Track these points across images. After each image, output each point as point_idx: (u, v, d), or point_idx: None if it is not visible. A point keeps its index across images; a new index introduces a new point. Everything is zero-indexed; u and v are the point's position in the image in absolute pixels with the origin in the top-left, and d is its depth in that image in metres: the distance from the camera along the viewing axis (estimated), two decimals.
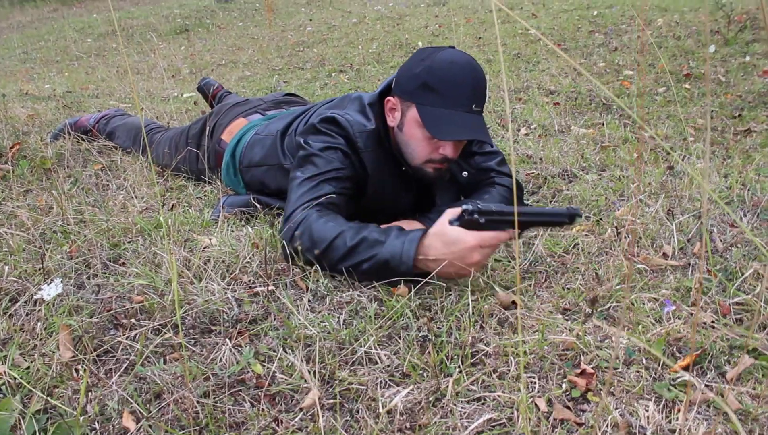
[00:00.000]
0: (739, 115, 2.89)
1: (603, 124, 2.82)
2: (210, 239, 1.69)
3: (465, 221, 1.35)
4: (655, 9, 5.90)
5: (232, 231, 1.78)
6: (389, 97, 1.61)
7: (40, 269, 1.58)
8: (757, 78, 3.53)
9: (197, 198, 2.14)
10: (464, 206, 1.36)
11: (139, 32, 8.66)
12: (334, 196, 1.56)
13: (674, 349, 1.18)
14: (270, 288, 1.43)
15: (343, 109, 1.69)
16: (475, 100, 1.51)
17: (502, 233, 1.35)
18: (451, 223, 1.37)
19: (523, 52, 4.59)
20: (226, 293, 1.42)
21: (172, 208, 1.98)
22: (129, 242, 1.74)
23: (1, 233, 1.82)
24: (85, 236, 1.76)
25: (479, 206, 1.35)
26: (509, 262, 1.56)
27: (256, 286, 1.44)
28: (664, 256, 1.49)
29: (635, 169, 2.19)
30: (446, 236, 1.36)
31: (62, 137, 2.83)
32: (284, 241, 1.51)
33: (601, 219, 1.74)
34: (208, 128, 2.22)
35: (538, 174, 2.18)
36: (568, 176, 2.19)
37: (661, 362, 1.13)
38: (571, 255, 1.56)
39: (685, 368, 1.12)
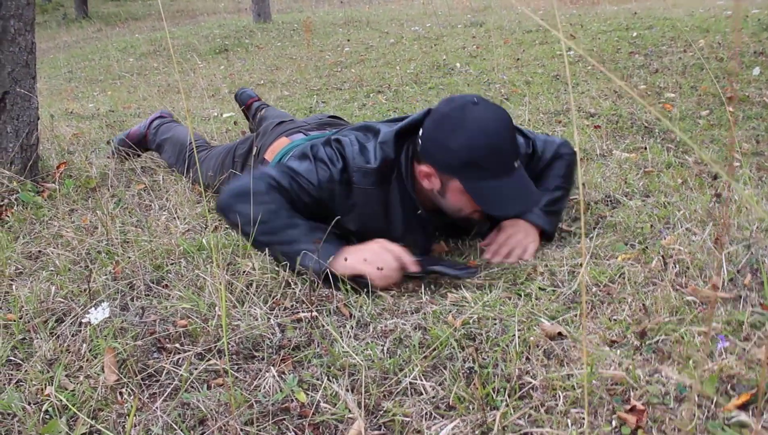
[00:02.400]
0: None
1: (645, 148, 2.78)
2: (252, 263, 1.70)
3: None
4: (696, 30, 5.83)
5: None
6: (422, 167, 1.60)
7: (85, 290, 1.60)
8: None
9: None
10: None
11: (179, 52, 8.81)
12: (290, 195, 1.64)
13: (728, 387, 1.15)
14: (313, 314, 1.42)
15: (362, 141, 1.69)
16: (515, 157, 1.54)
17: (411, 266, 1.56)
18: None
19: (562, 74, 4.56)
20: (269, 319, 1.42)
21: (214, 230, 1.99)
22: (172, 264, 1.76)
23: (48, 253, 1.85)
24: (129, 258, 1.78)
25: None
26: (554, 291, 1.54)
27: (299, 312, 1.44)
28: (714, 287, 1.46)
29: (680, 196, 2.15)
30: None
31: (116, 154, 2.85)
32: (222, 196, 1.65)
33: (646, 247, 1.71)
34: (255, 148, 2.24)
35: (581, 200, 2.14)
36: (612, 202, 2.16)
37: (715, 400, 1.10)
38: (616, 284, 1.53)
39: (740, 407, 1.08)
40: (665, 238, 1.72)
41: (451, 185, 1.57)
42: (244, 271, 1.63)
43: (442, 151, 1.54)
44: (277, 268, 1.63)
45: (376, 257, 1.53)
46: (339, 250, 1.54)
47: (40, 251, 1.93)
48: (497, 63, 5.20)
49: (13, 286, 1.70)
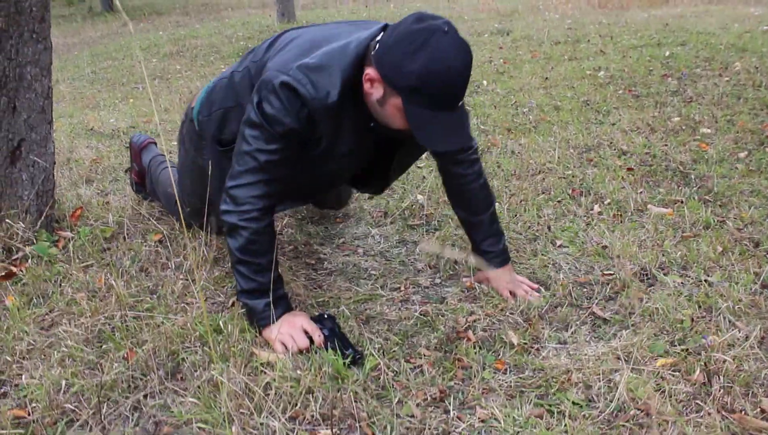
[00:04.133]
0: None
1: (682, 202, 2.67)
2: (269, 355, 1.62)
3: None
4: (732, 48, 5.66)
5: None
6: (369, 71, 1.58)
7: (97, 384, 1.53)
8: None
9: None
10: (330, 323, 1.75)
11: (202, 54, 8.75)
12: (276, 184, 1.71)
13: None
14: (335, 431, 1.34)
15: (315, 67, 1.64)
16: (461, 97, 1.55)
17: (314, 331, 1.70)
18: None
19: (592, 99, 4.43)
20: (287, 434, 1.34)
21: (232, 306, 1.91)
22: (187, 350, 1.69)
23: (61, 330, 1.79)
24: (144, 342, 1.71)
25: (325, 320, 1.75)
26: (588, 405, 1.44)
27: (319, 430, 1.36)
28: (763, 412, 1.36)
29: (721, 271, 2.04)
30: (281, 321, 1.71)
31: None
32: (223, 219, 1.71)
33: (688, 350, 1.61)
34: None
35: (616, 276, 2.05)
36: (648, 278, 2.05)
37: None
38: (656, 402, 1.44)
39: None
40: (707, 341, 1.62)
41: (392, 100, 1.56)
42: (262, 370, 1.55)
43: (395, 67, 1.52)
44: (298, 372, 1.55)
45: (287, 336, 1.68)
46: (268, 323, 1.72)
47: (53, 323, 1.87)
48: (525, 82, 5.08)
49: (24, 369, 1.64)
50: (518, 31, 7.84)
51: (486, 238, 1.99)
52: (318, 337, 1.68)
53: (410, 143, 1.80)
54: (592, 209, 2.62)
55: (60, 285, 2.08)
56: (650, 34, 6.83)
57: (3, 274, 2.13)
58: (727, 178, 2.94)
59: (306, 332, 1.69)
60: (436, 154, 1.94)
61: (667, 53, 5.55)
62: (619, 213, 2.57)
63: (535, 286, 2.01)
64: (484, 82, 5.22)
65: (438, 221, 2.55)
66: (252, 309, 1.73)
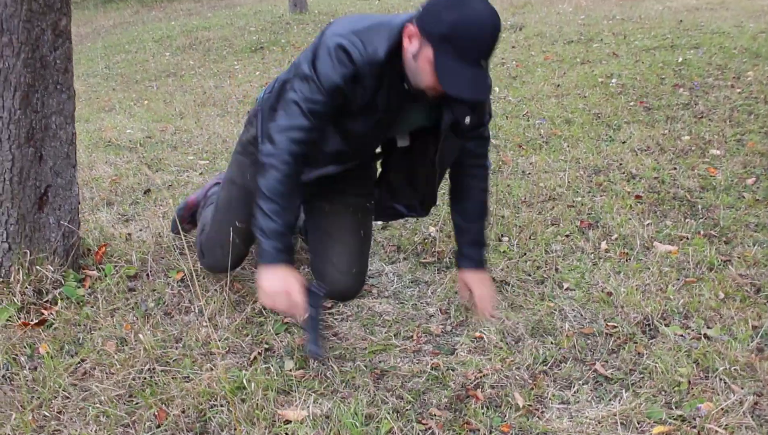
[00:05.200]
0: None
1: (688, 238, 2.74)
2: (292, 412, 1.72)
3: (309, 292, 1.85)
4: (745, 54, 5.66)
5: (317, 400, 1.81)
6: (410, 24, 1.74)
7: None
8: None
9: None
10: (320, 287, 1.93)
11: (215, 48, 8.80)
12: (314, 133, 1.85)
13: None
14: None
15: (367, 29, 1.80)
16: (486, 56, 1.68)
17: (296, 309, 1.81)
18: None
19: (604, 111, 4.48)
20: None
21: (252, 362, 2.01)
22: (213, 409, 1.79)
23: (92, 388, 1.90)
24: (172, 398, 1.81)
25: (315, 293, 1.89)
26: None
27: None
28: None
29: (722, 324, 2.12)
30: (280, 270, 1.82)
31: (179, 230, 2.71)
32: (261, 159, 1.85)
33: (683, 418, 1.69)
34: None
35: (619, 329, 2.13)
36: (650, 329, 2.13)
37: None
38: None
39: None
40: (701, 410, 1.70)
41: (425, 52, 1.70)
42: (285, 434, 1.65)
43: (432, 17, 1.67)
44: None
45: (274, 284, 1.80)
46: (272, 263, 1.82)
47: (85, 373, 1.98)
48: (537, 90, 5.12)
49: (62, 425, 1.75)
50: (531, 27, 7.85)
51: (470, 243, 2.14)
52: (299, 316, 1.84)
53: (448, 139, 1.96)
54: (599, 246, 2.69)
55: (90, 331, 2.19)
56: (664, 34, 6.83)
57: (36, 321, 2.24)
58: (734, 209, 3.00)
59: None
60: (455, 126, 2.00)
61: (680, 59, 5.57)
62: (626, 251, 2.65)
63: (494, 313, 2.19)
64: (496, 89, 5.27)
65: (449, 259, 2.63)
66: (262, 248, 1.84)
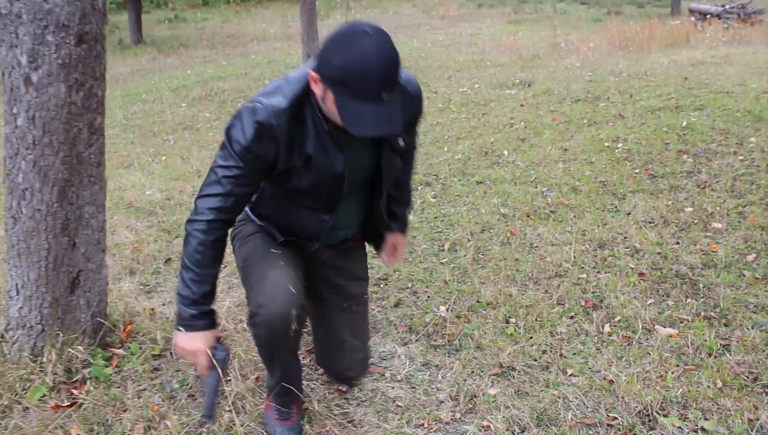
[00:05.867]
0: None
1: (688, 320, 2.84)
2: None
3: (215, 357, 1.95)
4: (748, 117, 5.79)
5: None
6: (312, 72, 1.82)
7: None
8: None
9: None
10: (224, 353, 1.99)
11: (230, 99, 9.02)
12: (231, 198, 1.92)
13: None
14: None
15: (271, 89, 1.93)
16: (385, 89, 1.73)
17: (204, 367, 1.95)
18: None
19: (609, 179, 4.61)
20: None
21: None
22: None
23: None
24: None
25: (223, 365, 1.97)
26: None
27: None
28: None
29: (718, 417, 2.22)
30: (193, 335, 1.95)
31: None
32: (185, 226, 1.97)
33: None
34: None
35: (619, 419, 2.23)
36: (649, 420, 2.23)
37: None
38: None
39: None
40: None
41: (328, 95, 1.78)
42: None
43: (324, 62, 1.77)
44: None
45: (185, 346, 1.95)
46: (187, 329, 1.95)
47: None
48: (545, 154, 5.26)
49: None
50: (539, 84, 8.03)
51: (402, 215, 2.41)
52: (202, 371, 1.97)
53: (385, 156, 2.09)
54: (603, 329, 2.80)
55: (118, 413, 2.31)
56: (669, 93, 6.98)
57: (68, 403, 2.36)
58: (734, 288, 3.10)
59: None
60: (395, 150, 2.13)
61: (684, 123, 5.70)
62: (628, 334, 2.75)
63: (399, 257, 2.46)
64: (505, 152, 5.42)
65: (459, 341, 2.75)
66: (180, 314, 1.95)
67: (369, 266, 2.50)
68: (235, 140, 1.87)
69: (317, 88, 1.82)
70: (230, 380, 2.45)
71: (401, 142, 2.08)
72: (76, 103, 2.34)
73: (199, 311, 1.94)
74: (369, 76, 1.70)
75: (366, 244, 2.46)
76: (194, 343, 1.93)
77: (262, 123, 1.85)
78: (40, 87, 2.26)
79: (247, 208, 2.23)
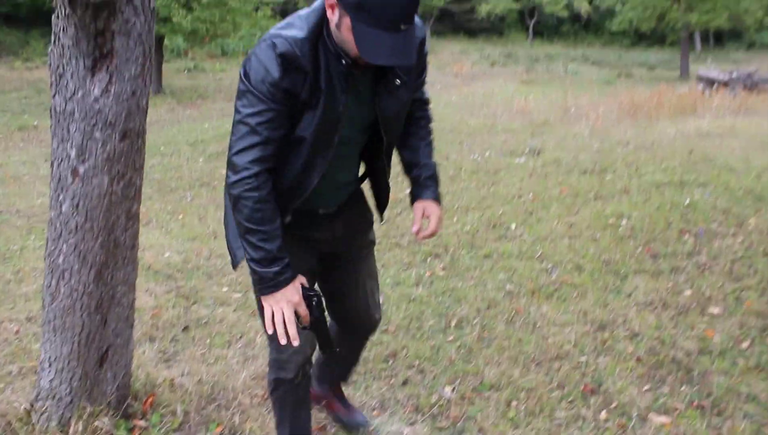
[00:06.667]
0: None
1: (681, 410, 2.97)
2: None
3: (306, 298, 1.99)
4: (749, 196, 5.98)
5: None
6: None
7: None
8: None
9: None
10: (315, 293, 2.04)
11: None
12: (270, 145, 1.86)
13: None
14: None
15: (284, 24, 1.90)
16: (404, 20, 1.72)
17: (305, 311, 1.98)
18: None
19: (612, 258, 4.77)
20: None
21: None
22: None
23: None
24: None
25: (317, 302, 2.02)
26: None
27: None
28: None
29: None
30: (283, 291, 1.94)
31: None
32: (229, 191, 1.91)
33: None
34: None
35: None
36: None
37: None
38: None
39: None
40: None
41: (345, 21, 1.74)
42: None
43: None
44: None
45: (283, 305, 1.94)
46: (275, 289, 1.94)
47: None
48: (551, 229, 5.44)
49: None
50: (549, 153, 8.26)
51: (430, 177, 2.23)
52: (306, 319, 1.99)
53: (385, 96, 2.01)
54: (600, 415, 2.94)
55: None
56: (674, 166, 7.19)
57: None
58: (728, 376, 3.24)
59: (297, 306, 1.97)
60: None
61: (687, 201, 5.89)
62: (623, 422, 2.89)
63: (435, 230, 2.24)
64: (513, 226, 5.60)
65: (463, 423, 2.89)
66: (262, 277, 1.92)
67: (378, 341, 2.65)
68: (260, 81, 1.81)
69: (333, 15, 1.79)
70: None
71: (398, 82, 2.00)
72: (116, 192, 2.54)
73: (280, 267, 1.91)
74: (392, 4, 1.70)
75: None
76: (289, 297, 1.93)
77: (286, 54, 1.80)
78: (85, 178, 2.47)
79: None
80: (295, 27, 1.85)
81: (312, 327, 2.03)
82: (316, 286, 2.19)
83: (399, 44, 1.73)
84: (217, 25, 15.36)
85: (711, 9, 22.31)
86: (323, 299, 2.06)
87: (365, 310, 2.46)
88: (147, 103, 2.58)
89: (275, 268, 1.91)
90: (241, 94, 1.85)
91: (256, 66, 1.82)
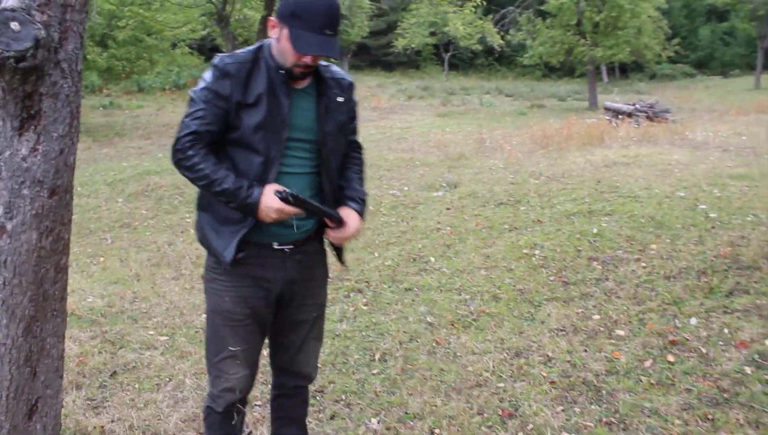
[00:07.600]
0: (711, 420, 3.26)
1: (591, 427, 3.20)
2: None
3: (281, 198, 2.19)
4: (651, 223, 6.38)
5: None
6: (271, 18, 2.27)
7: None
8: (734, 349, 3.92)
9: None
10: (284, 190, 2.20)
11: (167, 196, 9.23)
12: (202, 136, 2.27)
13: None
14: None
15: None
16: (328, 27, 2.18)
17: (291, 209, 2.21)
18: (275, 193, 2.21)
19: (526, 287, 5.04)
20: None
21: None
22: None
23: None
24: None
25: (291, 193, 2.18)
26: None
27: None
28: None
29: None
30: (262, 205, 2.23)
31: None
32: (176, 167, 2.31)
33: None
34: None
35: None
36: None
37: None
38: None
39: None
40: None
41: (284, 32, 2.21)
42: None
43: (283, 4, 2.22)
44: None
45: (272, 214, 2.22)
46: (256, 201, 2.23)
47: None
48: (469, 261, 5.68)
49: None
50: (465, 186, 8.57)
51: (359, 198, 2.48)
52: (294, 212, 2.24)
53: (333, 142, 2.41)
54: None
55: None
56: (583, 196, 7.58)
57: None
58: (633, 394, 3.50)
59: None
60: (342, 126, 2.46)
61: (595, 229, 6.24)
62: None
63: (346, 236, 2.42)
64: (432, 259, 5.82)
65: None
66: (243, 206, 2.22)
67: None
68: (199, 89, 2.28)
69: (274, 32, 2.26)
70: None
71: (340, 99, 2.39)
72: (45, 247, 2.59)
73: (246, 188, 2.22)
74: (318, 11, 2.16)
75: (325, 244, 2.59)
76: (271, 205, 2.20)
77: (218, 65, 2.26)
78: (14, 235, 2.52)
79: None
80: (241, 51, 2.34)
81: (308, 213, 2.30)
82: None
83: (326, 43, 2.19)
84: (133, 62, 15.22)
85: (614, 44, 23.52)
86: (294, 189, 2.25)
87: (305, 368, 2.68)
88: (74, 160, 2.66)
89: (243, 194, 2.22)
90: (187, 103, 2.32)
91: (197, 83, 2.32)
